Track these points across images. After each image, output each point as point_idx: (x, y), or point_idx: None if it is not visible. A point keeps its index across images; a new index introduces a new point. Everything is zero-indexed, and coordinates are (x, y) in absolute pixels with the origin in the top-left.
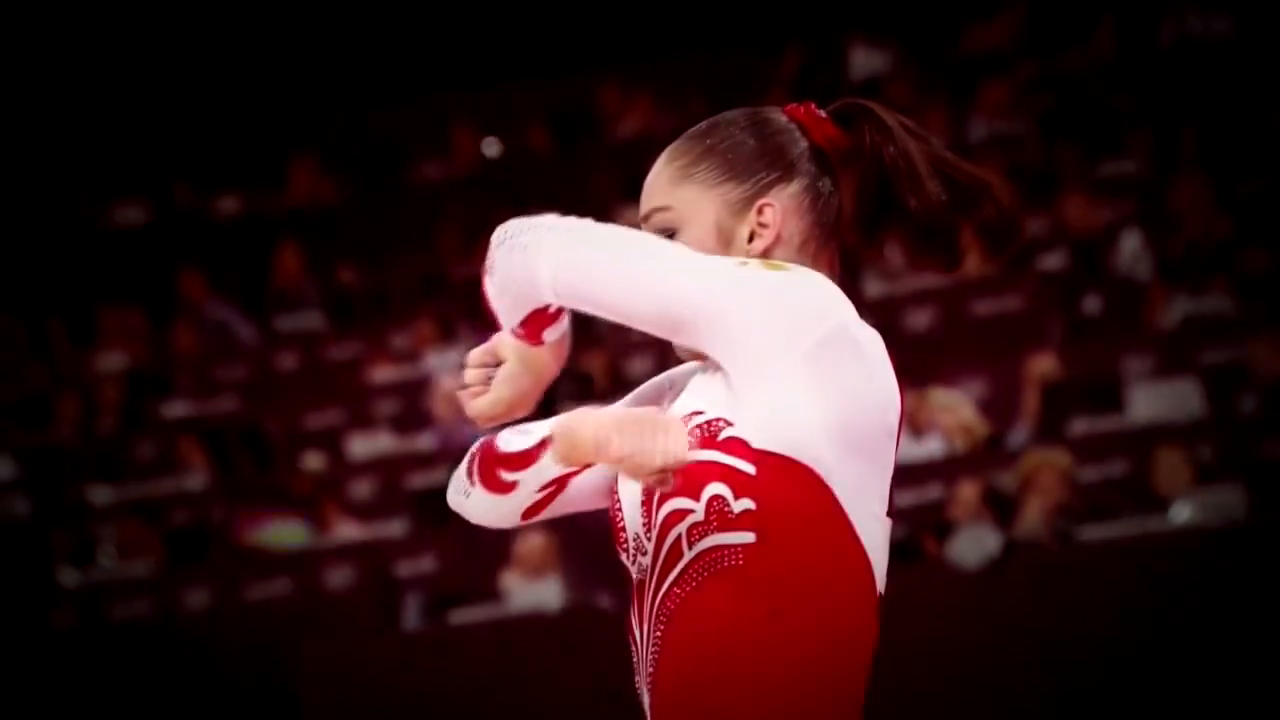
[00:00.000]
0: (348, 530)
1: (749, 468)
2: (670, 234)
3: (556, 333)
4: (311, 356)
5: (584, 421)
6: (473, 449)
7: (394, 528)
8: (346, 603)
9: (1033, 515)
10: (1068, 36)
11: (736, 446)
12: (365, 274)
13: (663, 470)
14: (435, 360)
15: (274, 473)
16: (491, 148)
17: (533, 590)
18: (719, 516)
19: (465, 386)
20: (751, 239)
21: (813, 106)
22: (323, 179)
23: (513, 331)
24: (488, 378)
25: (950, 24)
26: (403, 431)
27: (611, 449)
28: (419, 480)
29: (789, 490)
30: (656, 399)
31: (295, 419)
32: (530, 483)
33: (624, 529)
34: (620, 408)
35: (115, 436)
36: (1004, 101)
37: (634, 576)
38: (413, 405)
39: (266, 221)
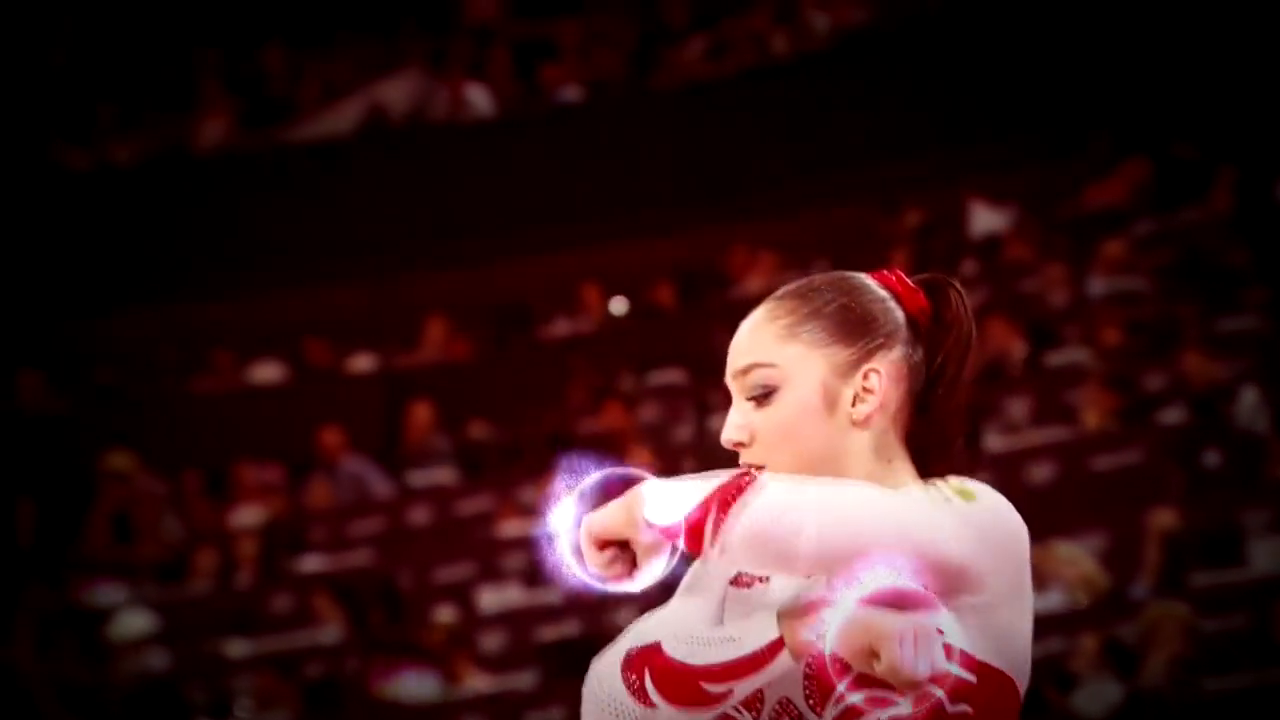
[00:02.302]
0: (478, 682)
1: (971, 677)
2: (771, 390)
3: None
4: (443, 510)
5: (862, 623)
6: (620, 658)
7: (524, 679)
8: None
9: (1155, 667)
10: (1186, 193)
11: (960, 656)
12: (495, 429)
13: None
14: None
15: (406, 625)
16: (618, 305)
17: None
18: (934, 714)
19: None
20: (855, 402)
21: (902, 274)
22: (455, 337)
23: (664, 530)
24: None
25: (1070, 182)
26: (532, 584)
27: (888, 660)
28: (548, 632)
29: (999, 699)
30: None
31: (427, 572)
32: (747, 687)
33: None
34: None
35: (252, 590)
36: (1123, 257)
37: None
38: (542, 558)
39: (399, 379)
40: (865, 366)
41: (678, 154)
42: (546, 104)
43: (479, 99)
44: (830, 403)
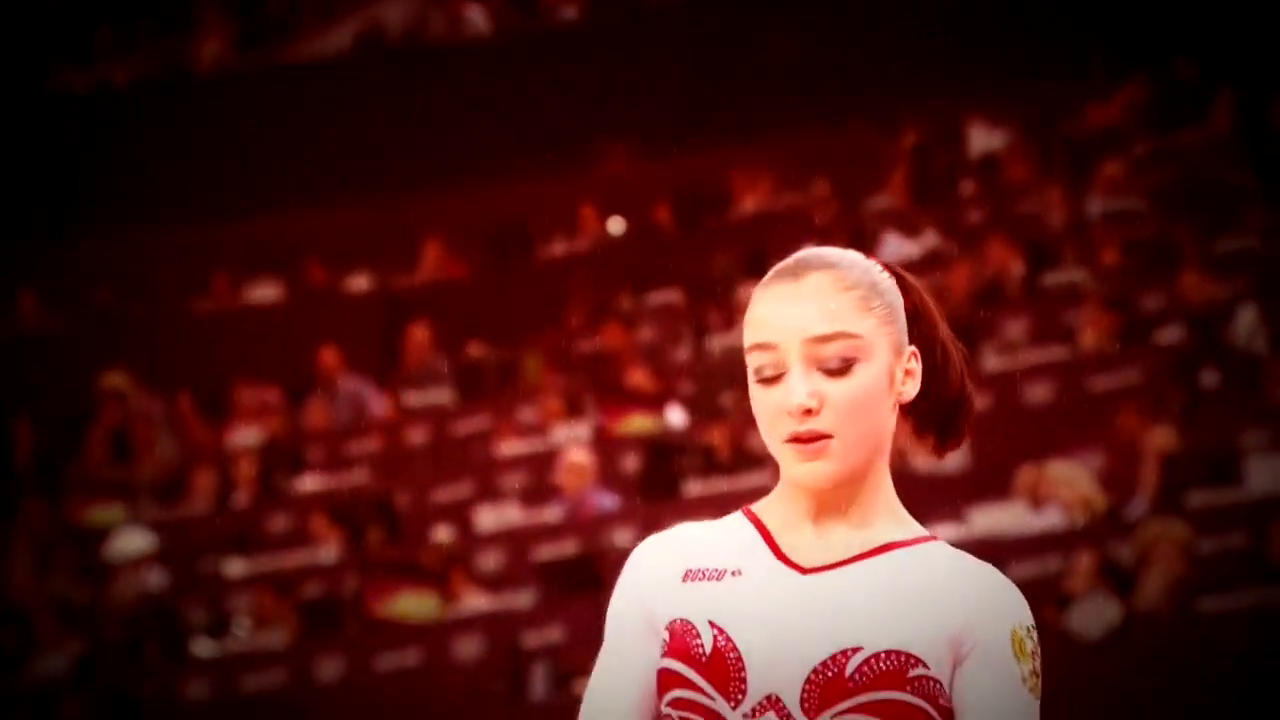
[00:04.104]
0: (476, 601)
1: None
2: (852, 362)
3: None
4: (441, 430)
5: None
6: None
7: (522, 599)
8: (475, 673)
9: (1151, 587)
10: (1185, 113)
11: (945, 713)
12: (493, 349)
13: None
14: (562, 433)
15: (404, 545)
16: (616, 225)
17: None
18: None
19: None
20: (903, 382)
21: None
22: (453, 257)
23: None
24: None
25: (1069, 102)
26: (530, 504)
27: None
28: (546, 551)
29: None
30: (705, 567)
31: (424, 492)
32: None
33: (746, 682)
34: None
35: (249, 510)
36: (1122, 177)
37: None
38: (540, 478)
39: (397, 299)
40: (908, 348)
41: (676, 74)
42: (544, 23)
43: (476, 18)
44: (891, 381)
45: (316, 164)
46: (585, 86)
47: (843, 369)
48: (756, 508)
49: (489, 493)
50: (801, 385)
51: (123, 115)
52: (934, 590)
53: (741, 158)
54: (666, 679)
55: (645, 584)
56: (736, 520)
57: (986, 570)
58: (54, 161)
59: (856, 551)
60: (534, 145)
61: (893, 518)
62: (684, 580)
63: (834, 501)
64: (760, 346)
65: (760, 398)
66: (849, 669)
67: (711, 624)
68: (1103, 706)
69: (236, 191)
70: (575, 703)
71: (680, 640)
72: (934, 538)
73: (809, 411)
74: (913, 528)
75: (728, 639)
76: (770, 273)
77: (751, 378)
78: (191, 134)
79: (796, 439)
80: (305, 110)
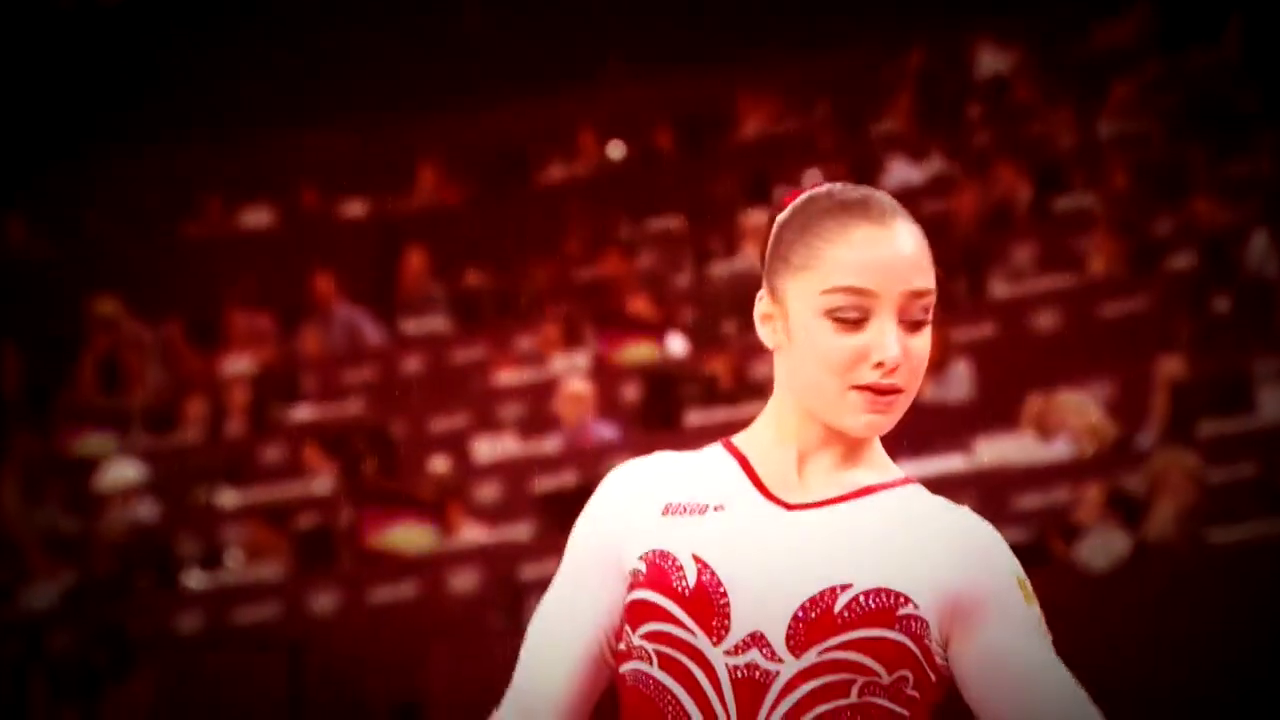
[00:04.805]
0: (473, 533)
1: (933, 676)
2: (925, 321)
3: None
4: (437, 359)
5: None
6: None
7: (520, 531)
8: (472, 606)
9: (1161, 517)
10: (1196, 35)
11: (929, 654)
12: (491, 277)
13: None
14: (561, 363)
15: (400, 476)
16: (616, 150)
17: None
18: (895, 689)
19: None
20: None
21: None
22: (449, 182)
23: None
24: None
25: (1078, 23)
26: (528, 434)
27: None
28: (545, 483)
29: (939, 698)
30: (686, 501)
31: (421, 421)
32: None
33: (729, 618)
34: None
35: (242, 439)
36: (1132, 100)
37: (717, 661)
38: (538, 408)
39: (393, 225)
40: None
41: None
42: None
43: None
44: None
45: (310, 86)
46: (586, 7)
47: (919, 325)
48: (738, 441)
49: (487, 423)
50: (892, 339)
51: (111, 35)
52: (921, 534)
53: (744, 80)
54: (642, 611)
55: (619, 514)
56: (717, 453)
57: (971, 518)
58: (42, 83)
59: (840, 492)
60: (533, 67)
61: (877, 461)
62: (663, 513)
63: (827, 443)
64: (852, 290)
65: (835, 341)
66: (838, 605)
67: (695, 558)
68: (1111, 639)
69: (228, 114)
70: None
71: (659, 572)
72: (912, 480)
73: (895, 367)
74: (892, 470)
75: (712, 574)
76: (835, 207)
77: (822, 317)
78: (182, 55)
79: (873, 389)
80: (299, 30)
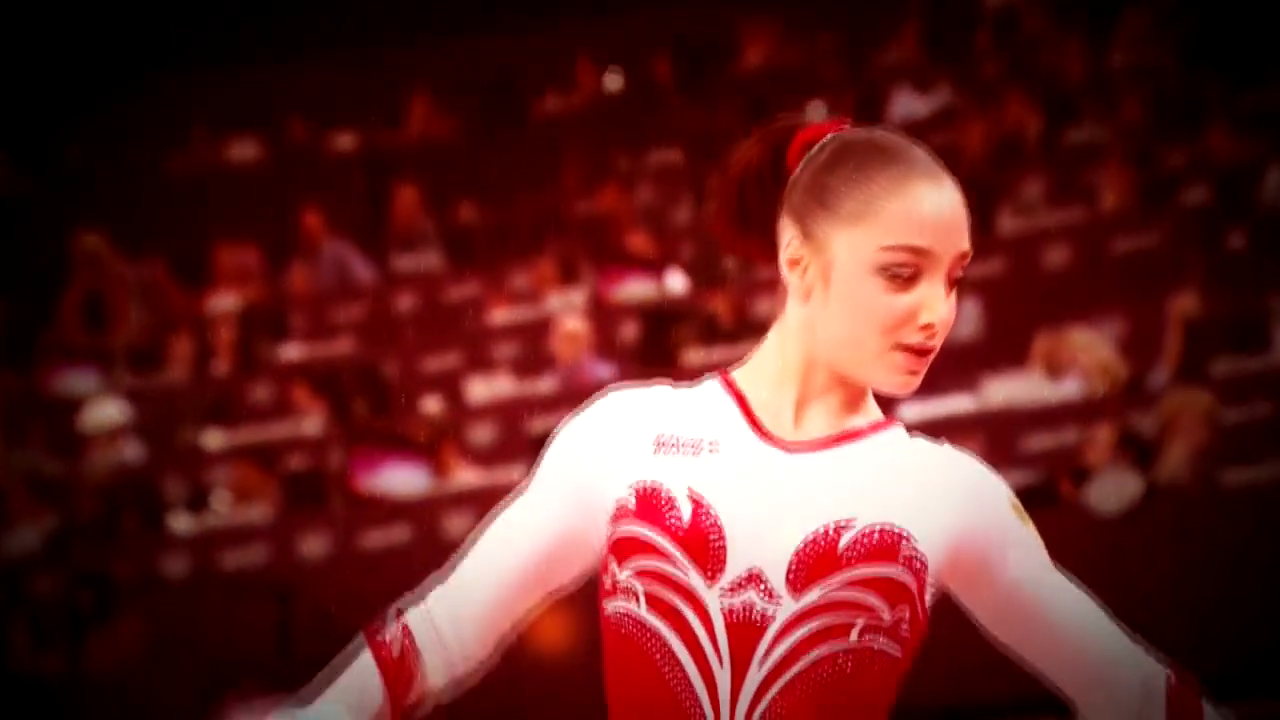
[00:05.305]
0: (467, 476)
1: (922, 617)
2: (958, 283)
3: None
4: (430, 297)
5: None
6: None
7: (514, 473)
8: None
9: (1174, 458)
10: None
11: (923, 593)
12: (484, 212)
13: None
14: (556, 300)
15: (391, 416)
16: (614, 81)
17: None
18: (893, 629)
19: None
20: None
21: None
22: (441, 114)
23: None
24: None
25: None
26: (523, 374)
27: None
28: (540, 424)
29: (921, 641)
30: (680, 436)
31: (413, 361)
32: None
33: (725, 556)
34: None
35: (229, 379)
36: (1145, 29)
37: (710, 601)
38: (534, 347)
39: (383, 158)
40: None
41: None
42: None
43: None
44: None
45: (299, 15)
46: None
47: (954, 286)
48: (736, 375)
49: (480, 362)
50: (945, 301)
51: None
52: (914, 474)
53: (746, 9)
54: (631, 546)
55: (607, 440)
56: (714, 388)
57: (955, 453)
58: (19, 16)
59: (834, 433)
60: None
61: (867, 405)
62: (655, 446)
63: (828, 389)
64: (913, 249)
65: (885, 299)
66: (841, 543)
67: (691, 494)
68: (1122, 583)
69: (214, 44)
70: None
71: (651, 507)
72: (893, 421)
73: (935, 331)
74: (876, 412)
75: (708, 510)
76: (886, 157)
77: (874, 273)
78: None
79: (913, 349)
80: None
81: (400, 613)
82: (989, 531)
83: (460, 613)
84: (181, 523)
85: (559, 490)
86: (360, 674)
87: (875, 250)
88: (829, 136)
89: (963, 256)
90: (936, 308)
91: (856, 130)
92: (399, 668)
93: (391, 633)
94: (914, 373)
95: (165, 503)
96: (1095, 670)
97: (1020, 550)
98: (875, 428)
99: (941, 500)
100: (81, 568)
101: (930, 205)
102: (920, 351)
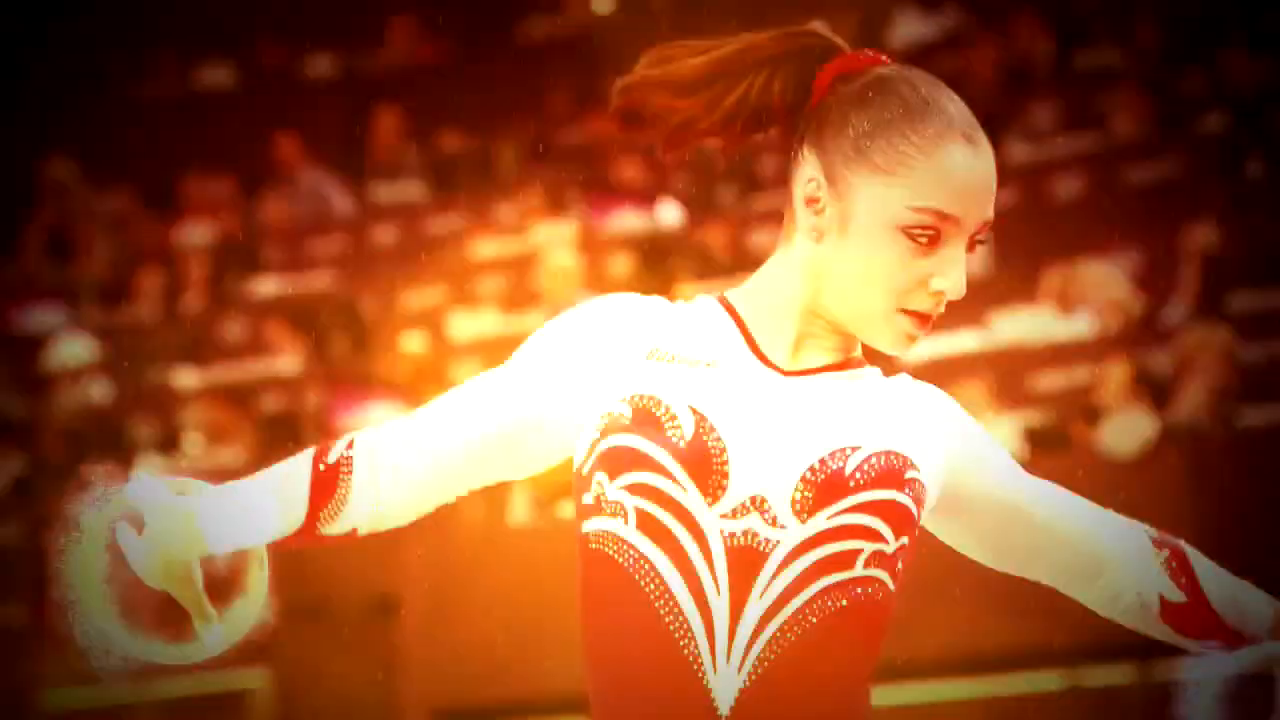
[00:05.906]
0: None
1: (908, 543)
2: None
3: None
4: (411, 229)
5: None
6: None
7: None
8: None
9: (1190, 398)
10: None
11: (919, 519)
12: (468, 140)
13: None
14: (544, 233)
15: (371, 354)
16: (603, 3)
17: None
18: (895, 558)
19: None
20: None
21: None
22: (423, 36)
23: None
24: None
25: None
26: (509, 310)
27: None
28: None
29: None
30: (675, 349)
31: (393, 296)
32: None
33: (728, 478)
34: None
35: (201, 315)
36: None
37: (709, 526)
38: (520, 282)
39: (363, 83)
40: None
41: None
42: None
43: None
44: None
45: None
46: None
47: (971, 250)
48: (733, 298)
49: (464, 298)
50: (962, 271)
51: None
52: (904, 405)
53: None
54: (626, 458)
55: (599, 342)
56: (710, 306)
57: (929, 386)
58: None
59: (825, 363)
60: None
61: (857, 346)
62: (648, 356)
63: (825, 330)
64: (941, 214)
65: (902, 262)
66: (849, 467)
67: (693, 409)
68: None
69: None
70: (557, 527)
71: (650, 418)
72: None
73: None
74: (859, 350)
75: (711, 428)
76: (927, 110)
77: (897, 230)
78: None
79: (922, 317)
80: None
81: (352, 444)
82: (970, 446)
83: (400, 460)
84: (151, 466)
85: (537, 375)
86: (289, 474)
87: (901, 208)
88: (868, 72)
89: (986, 224)
90: (952, 275)
91: (896, 72)
92: (326, 480)
93: (337, 451)
94: (913, 338)
95: (134, 444)
96: (1094, 550)
97: (998, 456)
98: (858, 362)
99: (930, 427)
100: (47, 512)
101: (965, 170)
102: (925, 317)
